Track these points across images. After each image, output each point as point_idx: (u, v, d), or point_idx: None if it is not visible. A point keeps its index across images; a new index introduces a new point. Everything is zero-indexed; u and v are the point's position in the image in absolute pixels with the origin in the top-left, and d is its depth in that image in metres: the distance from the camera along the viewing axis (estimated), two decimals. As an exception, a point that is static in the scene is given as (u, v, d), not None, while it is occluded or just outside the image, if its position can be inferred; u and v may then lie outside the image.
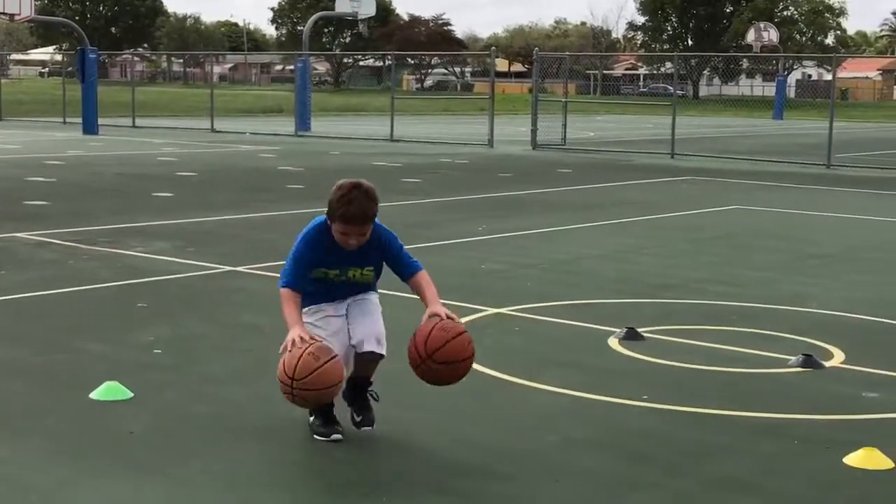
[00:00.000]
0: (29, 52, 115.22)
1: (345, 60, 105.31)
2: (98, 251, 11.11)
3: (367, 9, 40.68)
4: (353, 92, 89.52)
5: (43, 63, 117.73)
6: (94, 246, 11.40)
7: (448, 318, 5.24)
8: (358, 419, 5.47)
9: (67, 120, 37.71)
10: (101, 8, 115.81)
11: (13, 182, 18.05)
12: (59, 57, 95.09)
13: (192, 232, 12.71)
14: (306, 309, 5.37)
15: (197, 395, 6.22)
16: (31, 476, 4.92)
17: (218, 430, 5.61)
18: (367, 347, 5.32)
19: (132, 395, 6.07)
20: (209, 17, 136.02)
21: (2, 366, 6.76)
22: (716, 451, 5.47)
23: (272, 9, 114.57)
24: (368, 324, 5.39)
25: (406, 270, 5.50)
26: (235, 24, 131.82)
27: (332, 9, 44.64)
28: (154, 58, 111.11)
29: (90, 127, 32.95)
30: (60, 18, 62.97)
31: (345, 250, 5.26)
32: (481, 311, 8.49)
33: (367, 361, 5.40)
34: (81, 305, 8.69)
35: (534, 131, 30.07)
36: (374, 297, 5.55)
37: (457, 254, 11.47)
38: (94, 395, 6.05)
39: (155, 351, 7.14)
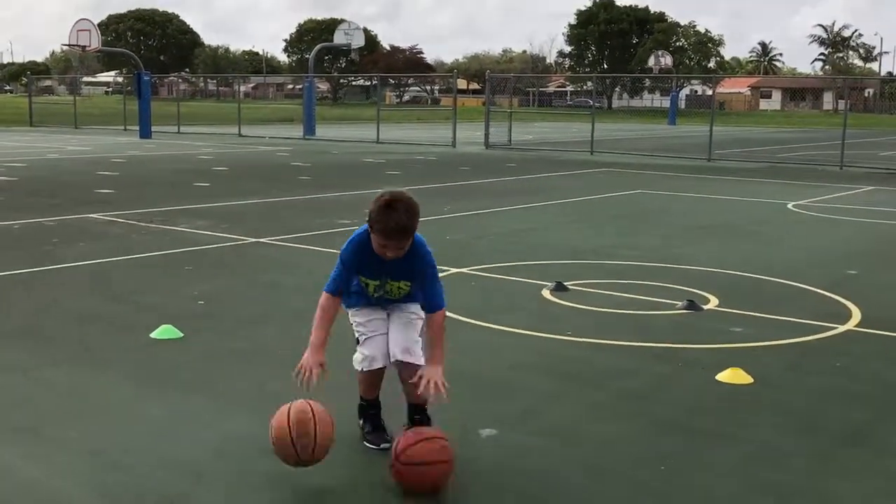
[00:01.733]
0: (97, 75, 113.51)
1: (341, 81, 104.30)
2: (153, 228, 11.04)
3: (358, 41, 40.41)
4: (347, 105, 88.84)
5: (107, 84, 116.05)
6: (150, 224, 11.34)
7: (435, 386, 4.02)
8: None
9: (127, 128, 37.28)
10: (151, 41, 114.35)
11: (87, 175, 17.84)
12: (119, 79, 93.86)
13: (225, 212, 12.62)
14: (352, 309, 4.41)
15: (232, 335, 6.25)
16: (109, 396, 4.98)
17: (250, 360, 5.67)
18: (394, 357, 4.22)
19: (182, 335, 6.11)
20: (236, 47, 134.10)
21: (84, 313, 6.76)
22: (622, 373, 5.53)
23: (285, 40, 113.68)
24: (398, 333, 4.27)
25: (428, 303, 4.28)
26: (256, 53, 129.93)
27: (332, 41, 44.34)
28: (193, 79, 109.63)
29: (145, 133, 32.57)
30: (122, 49, 62.05)
31: (385, 261, 4.18)
32: (446, 270, 8.48)
33: (403, 378, 4.30)
34: (142, 268, 8.64)
35: (486, 135, 30.00)
36: (412, 307, 4.35)
37: (428, 228, 11.45)
38: (153, 334, 6.08)
39: (199, 302, 7.16)
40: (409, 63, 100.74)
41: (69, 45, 33.44)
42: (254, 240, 10.22)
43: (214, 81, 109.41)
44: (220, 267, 8.77)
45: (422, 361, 4.20)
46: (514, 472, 4.08)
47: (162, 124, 35.92)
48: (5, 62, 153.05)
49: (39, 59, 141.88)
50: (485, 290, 7.83)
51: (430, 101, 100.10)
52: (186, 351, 5.81)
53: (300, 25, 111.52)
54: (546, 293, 7.58)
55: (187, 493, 3.77)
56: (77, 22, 33.03)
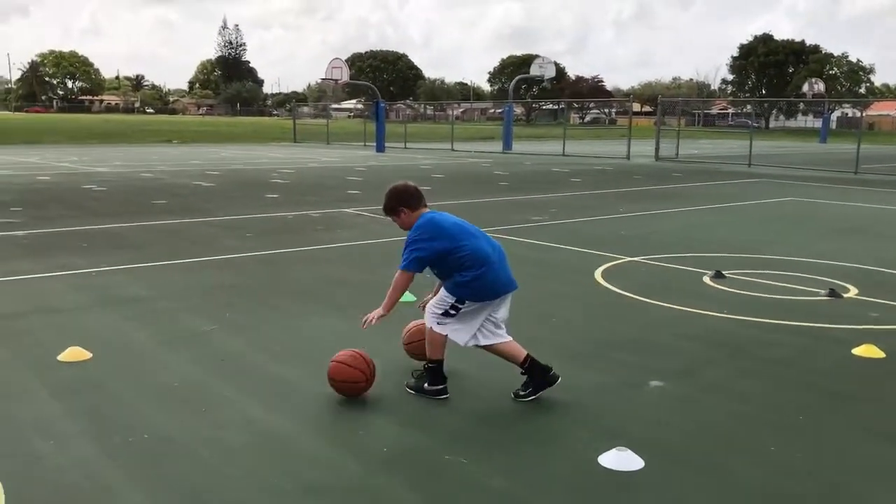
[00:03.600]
0: (342, 102, 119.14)
1: (533, 105, 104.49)
2: (389, 220, 11.70)
3: (550, 72, 40.44)
4: (538, 125, 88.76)
5: (349, 110, 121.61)
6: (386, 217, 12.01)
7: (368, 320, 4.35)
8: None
9: (366, 144, 39.08)
10: (384, 75, 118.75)
11: (339, 179, 18.95)
12: (360, 105, 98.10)
13: (444, 209, 13.07)
14: None
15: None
16: (357, 341, 5.48)
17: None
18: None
19: (415, 298, 6.55)
20: (450, 79, 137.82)
21: (341, 280, 7.38)
22: (768, 344, 5.49)
23: (489, 73, 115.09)
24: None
25: None
26: (465, 83, 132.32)
27: (528, 72, 44.60)
28: (415, 105, 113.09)
29: (380, 148, 33.95)
30: (364, 82, 64.81)
31: None
32: (621, 258, 8.62)
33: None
34: (383, 250, 9.19)
35: (657, 149, 29.37)
36: (439, 294, 4.47)
37: (607, 224, 11.56)
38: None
39: (426, 275, 7.63)
40: (591, 90, 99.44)
41: (325, 78, 35.39)
42: (466, 231, 10.63)
43: (431, 107, 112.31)
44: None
45: (429, 325, 4.37)
46: (675, 414, 4.24)
47: (391, 141, 37.32)
48: (274, 92, 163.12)
49: (299, 89, 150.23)
50: (653, 275, 7.87)
51: (607, 122, 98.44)
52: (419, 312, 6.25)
53: (502, 60, 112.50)
54: (706, 279, 7.55)
55: (424, 407, 4.15)
56: (332, 60, 34.89)
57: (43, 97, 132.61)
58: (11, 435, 3.77)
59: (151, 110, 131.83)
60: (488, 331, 4.41)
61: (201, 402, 4.26)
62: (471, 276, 4.27)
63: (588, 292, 7.04)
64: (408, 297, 6.50)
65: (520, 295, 6.72)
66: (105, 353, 4.98)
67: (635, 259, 8.59)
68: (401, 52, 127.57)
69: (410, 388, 4.45)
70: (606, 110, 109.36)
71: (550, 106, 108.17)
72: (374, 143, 34.81)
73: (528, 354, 4.42)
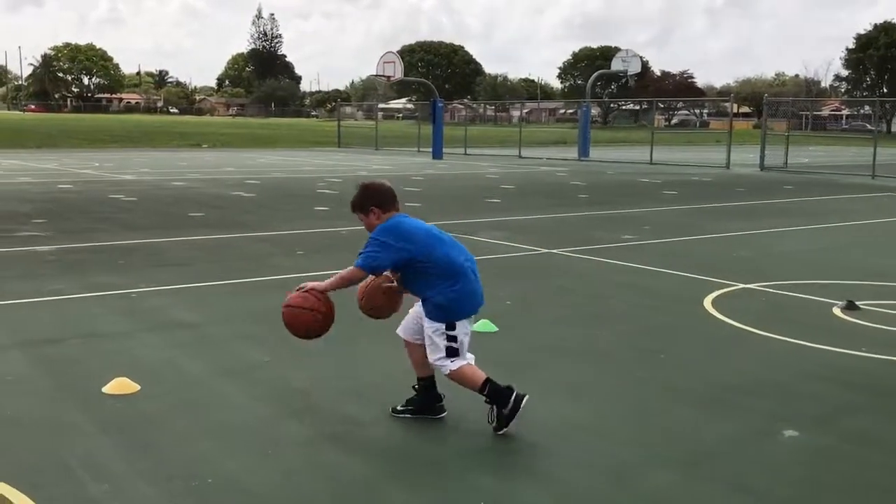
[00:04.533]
0: (390, 102, 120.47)
1: (611, 105, 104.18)
2: (457, 237, 11.49)
3: (634, 67, 40.38)
4: (616, 128, 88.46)
5: (398, 110, 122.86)
6: (454, 233, 11.87)
7: (306, 289, 4.59)
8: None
9: (420, 149, 39.41)
10: (438, 70, 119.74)
11: (395, 191, 19.17)
12: (410, 105, 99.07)
13: (517, 225, 13.21)
14: None
15: (538, 332, 6.66)
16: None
17: (559, 355, 6.06)
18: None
19: (497, 329, 6.62)
20: (513, 75, 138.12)
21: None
22: (921, 388, 5.39)
23: (559, 68, 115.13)
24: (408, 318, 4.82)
25: None
26: (532, 80, 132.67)
27: (606, 67, 44.57)
28: (474, 105, 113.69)
29: (438, 154, 34.25)
30: (420, 79, 65.63)
31: None
32: (733, 285, 8.52)
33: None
34: (452, 272, 9.34)
35: (762, 157, 29.01)
36: (419, 309, 4.68)
37: (713, 244, 11.45)
38: (473, 327, 6.61)
39: (507, 302, 7.66)
40: (678, 87, 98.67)
41: (376, 74, 35.88)
42: (546, 250, 10.67)
43: (492, 107, 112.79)
44: (520, 273, 9.27)
45: (445, 372, 4.52)
46: (816, 468, 4.16)
47: (449, 146, 37.59)
48: (313, 90, 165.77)
49: (341, 87, 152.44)
50: (773, 305, 7.76)
51: (698, 124, 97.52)
52: (503, 343, 6.29)
53: (575, 53, 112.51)
54: (837, 311, 7.41)
55: (527, 459, 4.17)
56: (384, 54, 35.44)
57: (56, 95, 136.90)
58: (63, 475, 3.90)
59: (176, 110, 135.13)
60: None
61: (267, 442, 4.34)
62: (449, 294, 4.46)
63: (698, 324, 6.98)
64: (488, 326, 6.55)
65: (619, 327, 6.79)
66: (155, 386, 5.11)
67: (750, 286, 8.49)
68: (457, 44, 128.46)
69: (498, 430, 4.48)
70: (697, 111, 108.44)
71: (631, 106, 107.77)
72: (430, 149, 35.09)
73: (487, 378, 4.54)
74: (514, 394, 4.50)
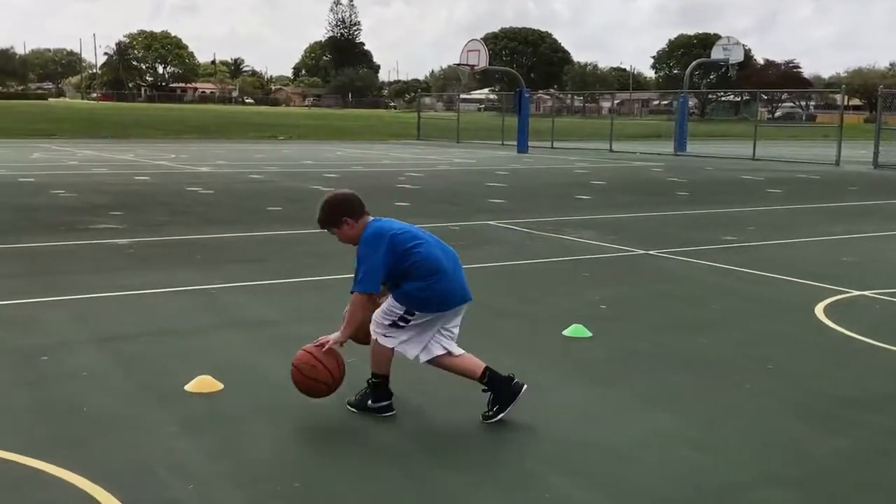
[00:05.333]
0: (471, 92, 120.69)
1: (709, 96, 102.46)
2: (545, 236, 11.76)
3: (737, 56, 39.63)
4: (714, 121, 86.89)
5: (480, 100, 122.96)
6: (541, 232, 12.07)
7: (321, 347, 4.68)
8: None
9: (504, 142, 39.38)
10: (523, 59, 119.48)
11: (477, 185, 19.22)
12: (493, 96, 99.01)
13: (609, 224, 13.10)
14: None
15: (634, 338, 6.58)
16: (532, 381, 5.49)
17: (658, 362, 5.97)
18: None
19: (591, 334, 6.57)
20: (604, 63, 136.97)
21: (498, 308, 7.43)
22: None
23: (653, 57, 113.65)
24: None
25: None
26: (624, 69, 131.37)
27: (704, 56, 43.83)
28: (560, 95, 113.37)
29: (523, 147, 34.19)
30: (504, 67, 65.57)
31: None
32: (847, 291, 8.29)
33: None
34: (541, 272, 9.28)
35: (875, 154, 28.15)
36: (386, 303, 4.76)
37: (823, 247, 11.18)
38: (565, 332, 6.60)
39: (601, 306, 7.60)
40: (782, 78, 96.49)
41: (459, 63, 35.99)
42: (643, 251, 10.54)
43: (581, 98, 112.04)
44: (615, 275, 9.19)
45: (374, 336, 4.73)
46: (950, 494, 4.02)
47: (534, 139, 37.47)
48: (392, 80, 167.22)
49: (421, 76, 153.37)
50: (894, 315, 7.54)
51: (804, 118, 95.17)
52: (596, 349, 6.24)
53: (671, 41, 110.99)
54: (965, 322, 7.15)
55: (623, 472, 4.14)
56: (468, 43, 35.52)
57: (130, 84, 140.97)
58: (146, 475, 4.00)
59: (251, 101, 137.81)
60: (440, 344, 4.75)
61: (356, 447, 4.39)
62: (422, 284, 4.60)
63: (810, 333, 6.81)
64: (582, 332, 6.51)
65: (722, 335, 6.67)
66: (238, 385, 5.22)
67: (866, 293, 8.26)
68: (544, 30, 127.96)
69: (352, 406, 4.80)
70: (803, 103, 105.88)
71: (732, 97, 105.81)
72: (515, 142, 35.05)
73: (486, 367, 4.75)
74: (389, 403, 4.77)
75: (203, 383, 5.18)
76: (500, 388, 4.72)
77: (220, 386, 5.18)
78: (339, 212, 4.77)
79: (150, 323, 6.71)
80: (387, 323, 4.70)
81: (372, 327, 4.76)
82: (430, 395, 5.16)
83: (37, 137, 36.93)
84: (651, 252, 10.48)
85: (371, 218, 4.80)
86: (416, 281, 4.62)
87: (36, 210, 13.20)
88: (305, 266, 9.15)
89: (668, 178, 22.28)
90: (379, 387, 4.79)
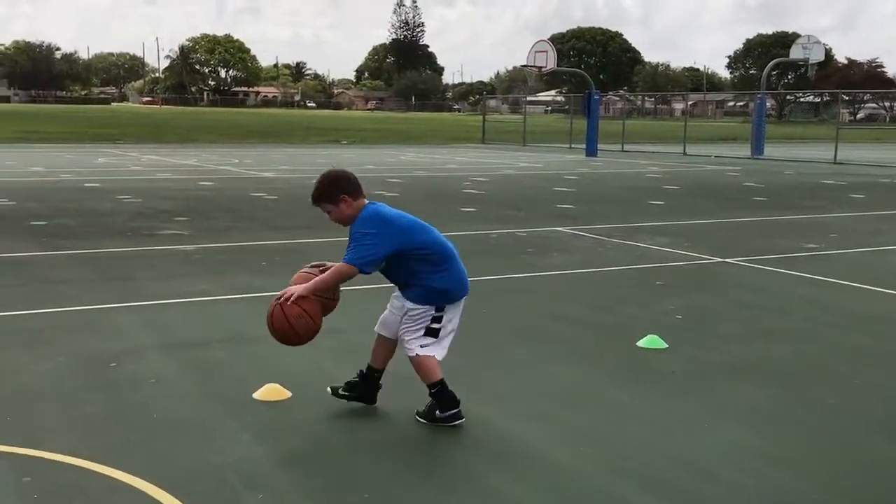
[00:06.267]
0: (537, 94, 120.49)
1: (787, 97, 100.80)
2: (616, 242, 11.69)
3: (817, 55, 38.88)
4: (792, 123, 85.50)
5: (546, 102, 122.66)
6: (612, 238, 12.00)
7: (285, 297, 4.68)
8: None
9: (572, 145, 39.22)
10: (592, 59, 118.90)
11: (545, 190, 19.21)
12: (560, 98, 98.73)
13: (683, 231, 12.97)
14: None
15: (712, 349, 6.51)
16: (606, 393, 5.48)
17: (735, 375, 5.91)
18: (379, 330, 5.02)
19: (667, 346, 6.52)
20: (676, 63, 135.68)
21: (570, 317, 7.43)
22: None
23: (728, 56, 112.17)
24: (386, 314, 5.01)
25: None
26: (697, 69, 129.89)
27: (781, 55, 43.12)
28: (631, 97, 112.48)
29: (592, 150, 34.06)
30: (573, 69, 65.33)
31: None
32: (938, 302, 8.12)
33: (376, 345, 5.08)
34: (613, 280, 9.25)
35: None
36: (398, 301, 4.87)
37: (908, 256, 10.97)
38: (639, 343, 6.55)
39: (677, 316, 7.54)
40: (865, 78, 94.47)
41: (526, 65, 35.99)
42: (719, 259, 10.43)
43: (652, 99, 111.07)
44: (690, 284, 9.09)
45: (409, 353, 4.72)
46: None
47: (604, 142, 37.25)
48: (456, 82, 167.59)
49: (485, 79, 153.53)
50: None
51: (887, 119, 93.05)
52: (672, 360, 6.19)
53: (747, 40, 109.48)
54: None
55: (699, 487, 4.10)
56: (535, 43, 35.53)
57: (193, 88, 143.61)
58: (216, 482, 4.09)
59: (313, 104, 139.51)
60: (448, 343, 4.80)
61: (424, 459, 4.43)
62: (441, 277, 4.62)
63: (898, 347, 6.68)
64: (657, 343, 6.47)
65: (804, 347, 6.59)
66: (305, 393, 5.30)
67: (959, 305, 8.05)
68: (613, 30, 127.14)
69: (421, 417, 4.82)
70: (887, 104, 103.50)
71: (811, 98, 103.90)
72: (584, 145, 34.90)
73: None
74: (457, 410, 4.75)
75: (271, 391, 5.27)
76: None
77: (289, 394, 5.26)
78: (339, 188, 4.69)
79: (217, 330, 6.84)
80: (421, 332, 4.69)
81: (404, 346, 4.77)
82: (504, 408, 5.17)
83: (101, 142, 37.86)
84: (728, 260, 10.37)
85: (367, 201, 4.77)
86: (433, 274, 4.64)
87: (103, 215, 13.55)
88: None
89: (744, 183, 21.99)
90: (441, 394, 4.76)
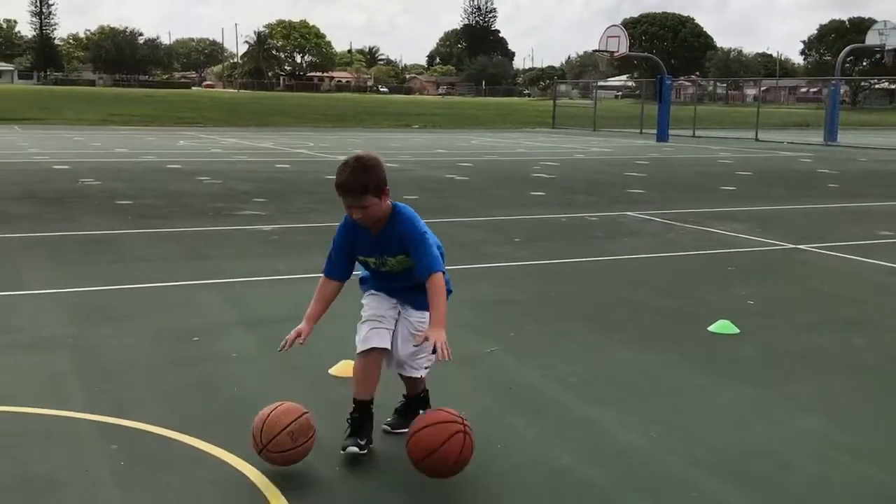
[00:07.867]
0: (608, 79, 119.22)
1: (861, 83, 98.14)
2: (688, 227, 11.52)
3: (893, 41, 37.76)
4: (867, 110, 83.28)
5: (617, 88, 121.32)
6: (684, 223, 11.84)
7: (436, 350, 3.86)
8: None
9: (643, 131, 38.74)
10: (663, 44, 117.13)
11: (616, 175, 19.03)
12: (630, 83, 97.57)
13: (756, 217, 12.74)
14: (364, 295, 4.41)
15: (786, 337, 6.36)
16: (678, 380, 5.41)
17: (808, 364, 5.79)
18: (399, 370, 4.32)
19: (739, 331, 6.40)
20: (749, 49, 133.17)
21: (639, 302, 7.32)
22: None
23: (803, 42, 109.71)
24: (400, 342, 4.21)
25: (418, 268, 4.00)
26: (770, 55, 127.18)
27: (857, 41, 41.96)
28: (702, 83, 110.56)
29: (663, 136, 33.62)
30: (644, 54, 64.50)
31: (370, 234, 4.06)
32: None
33: (403, 378, 4.40)
34: (684, 265, 9.13)
35: None
36: (415, 317, 4.20)
37: None
38: (711, 328, 6.44)
39: (749, 302, 7.40)
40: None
41: (598, 50, 35.63)
42: (792, 245, 10.22)
43: (724, 85, 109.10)
44: (762, 270, 8.93)
45: (417, 374, 4.24)
46: None
47: (675, 128, 36.69)
48: (526, 67, 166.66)
49: (556, 63, 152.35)
50: None
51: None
52: (744, 347, 6.08)
53: (821, 26, 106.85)
54: None
55: (780, 480, 4.02)
56: (607, 28, 35.18)
57: (269, 73, 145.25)
58: (307, 460, 4.08)
59: (385, 89, 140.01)
60: None
61: (492, 436, 4.42)
62: (446, 276, 4.11)
63: (979, 338, 6.46)
64: (729, 328, 6.36)
65: (883, 337, 6.42)
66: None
67: None
68: (685, 14, 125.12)
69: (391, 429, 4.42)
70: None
71: (886, 85, 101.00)
72: (655, 130, 34.47)
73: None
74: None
75: (347, 367, 5.31)
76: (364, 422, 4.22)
77: (354, 372, 5.29)
78: (384, 179, 3.94)
79: (296, 307, 6.84)
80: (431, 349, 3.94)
81: (412, 367, 4.24)
82: (577, 393, 5.14)
83: (182, 125, 38.52)
84: (801, 246, 10.15)
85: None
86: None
87: (185, 196, 13.79)
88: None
89: (818, 170, 21.51)
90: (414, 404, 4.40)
